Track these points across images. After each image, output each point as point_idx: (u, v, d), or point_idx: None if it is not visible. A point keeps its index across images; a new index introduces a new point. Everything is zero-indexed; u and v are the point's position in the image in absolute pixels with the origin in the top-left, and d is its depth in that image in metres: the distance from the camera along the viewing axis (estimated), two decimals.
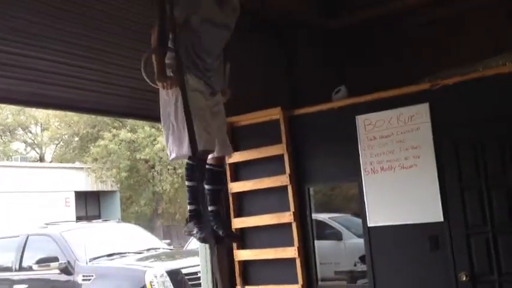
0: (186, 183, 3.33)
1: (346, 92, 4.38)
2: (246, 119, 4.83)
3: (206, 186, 3.43)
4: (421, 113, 3.92)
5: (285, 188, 4.57)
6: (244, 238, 4.85)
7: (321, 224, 5.77)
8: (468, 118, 3.86)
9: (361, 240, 4.28)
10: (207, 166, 3.38)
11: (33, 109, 28.25)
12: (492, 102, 3.79)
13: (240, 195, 4.89)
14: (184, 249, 10.09)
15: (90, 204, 22.40)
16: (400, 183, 4.00)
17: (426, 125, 3.90)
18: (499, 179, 3.74)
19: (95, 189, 22.14)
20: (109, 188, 22.14)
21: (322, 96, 4.53)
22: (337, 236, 6.24)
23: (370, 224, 4.14)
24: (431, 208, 3.85)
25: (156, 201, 22.01)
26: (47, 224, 8.40)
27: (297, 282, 4.43)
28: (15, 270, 7.57)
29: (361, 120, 4.20)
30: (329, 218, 6.39)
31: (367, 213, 4.16)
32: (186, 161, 3.29)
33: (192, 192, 3.30)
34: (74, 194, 21.08)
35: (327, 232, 6.17)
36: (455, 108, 3.90)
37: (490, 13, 4.98)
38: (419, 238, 3.93)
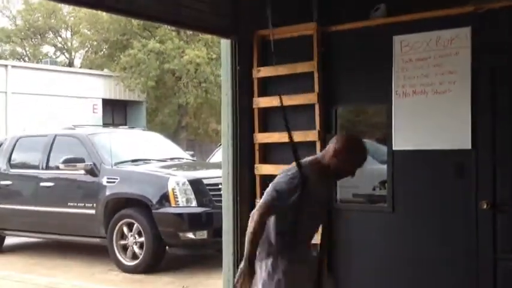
0: None
1: (386, 11, 4.20)
2: (278, 33, 4.71)
3: None
4: (461, 37, 3.77)
5: (312, 106, 4.53)
6: (268, 153, 4.88)
7: None
8: (510, 46, 3.70)
9: (382, 167, 4.27)
10: None
11: (64, 13, 28.18)
12: None
13: (266, 111, 4.87)
14: (207, 161, 10.26)
15: (116, 112, 22.74)
16: (431, 108, 3.92)
17: (466, 50, 3.76)
18: None
19: (122, 98, 22.37)
20: (136, 98, 22.35)
21: (360, 14, 4.36)
22: None
23: (395, 147, 4.11)
24: (460, 135, 3.79)
25: (181, 114, 22.25)
26: (74, 126, 8.53)
27: None
28: (42, 169, 7.78)
29: (398, 41, 4.07)
30: None
31: (393, 136, 4.12)
32: None
33: None
34: (101, 101, 21.35)
35: None
36: (497, 34, 3.74)
37: None
38: (443, 164, 3.91)
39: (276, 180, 2.96)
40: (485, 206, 3.73)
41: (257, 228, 2.85)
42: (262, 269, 2.99)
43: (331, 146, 3.00)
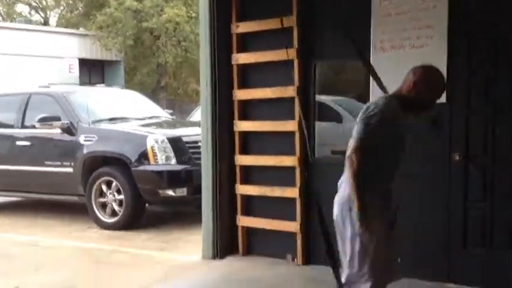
0: None
1: None
2: None
3: None
4: None
5: (291, 62, 4.51)
6: (246, 111, 4.88)
7: (323, 106, 5.77)
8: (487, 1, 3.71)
9: None
10: None
11: None
12: None
13: (245, 67, 4.85)
14: (186, 119, 10.21)
15: (94, 72, 22.34)
16: (408, 63, 3.83)
17: (443, 3, 3.75)
18: (509, 65, 3.68)
19: (99, 58, 21.97)
20: (113, 58, 21.97)
21: None
22: (337, 118, 6.26)
23: None
24: None
25: (160, 74, 21.98)
26: (50, 84, 8.36)
27: (294, 154, 4.53)
28: (17, 128, 7.66)
29: None
30: (332, 100, 6.38)
31: (371, 92, 4.13)
32: None
33: None
34: (78, 60, 20.93)
35: (328, 114, 6.18)
36: None
37: None
38: (419, 118, 3.93)
39: (362, 116, 2.82)
40: (457, 158, 3.81)
41: (359, 169, 2.72)
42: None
43: (409, 78, 2.89)
